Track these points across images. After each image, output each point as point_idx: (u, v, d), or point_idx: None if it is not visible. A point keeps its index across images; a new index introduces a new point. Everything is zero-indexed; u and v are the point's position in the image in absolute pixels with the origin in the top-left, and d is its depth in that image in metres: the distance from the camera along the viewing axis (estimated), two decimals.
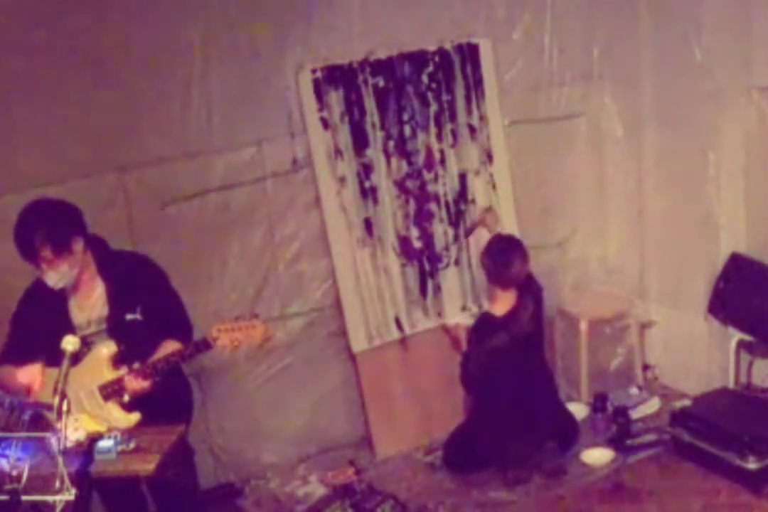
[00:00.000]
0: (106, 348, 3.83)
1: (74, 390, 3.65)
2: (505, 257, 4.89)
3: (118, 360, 3.83)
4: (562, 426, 5.11)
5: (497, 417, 4.92)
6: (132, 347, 3.83)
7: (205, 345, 3.79)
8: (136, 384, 3.76)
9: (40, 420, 3.51)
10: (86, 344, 3.81)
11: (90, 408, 3.79)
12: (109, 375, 3.81)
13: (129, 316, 3.86)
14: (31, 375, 3.75)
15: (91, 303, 3.90)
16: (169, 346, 3.85)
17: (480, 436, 4.97)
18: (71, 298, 3.88)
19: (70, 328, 3.75)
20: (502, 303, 4.94)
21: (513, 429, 4.88)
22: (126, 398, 3.79)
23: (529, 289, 5.00)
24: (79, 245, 3.76)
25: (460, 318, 5.31)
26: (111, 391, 3.80)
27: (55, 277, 3.75)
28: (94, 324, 3.89)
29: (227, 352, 4.04)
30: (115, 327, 3.86)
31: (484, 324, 4.97)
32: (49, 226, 3.67)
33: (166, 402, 3.85)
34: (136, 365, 3.79)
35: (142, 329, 3.85)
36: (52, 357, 3.67)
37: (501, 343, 4.87)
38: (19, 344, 3.91)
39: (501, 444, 4.91)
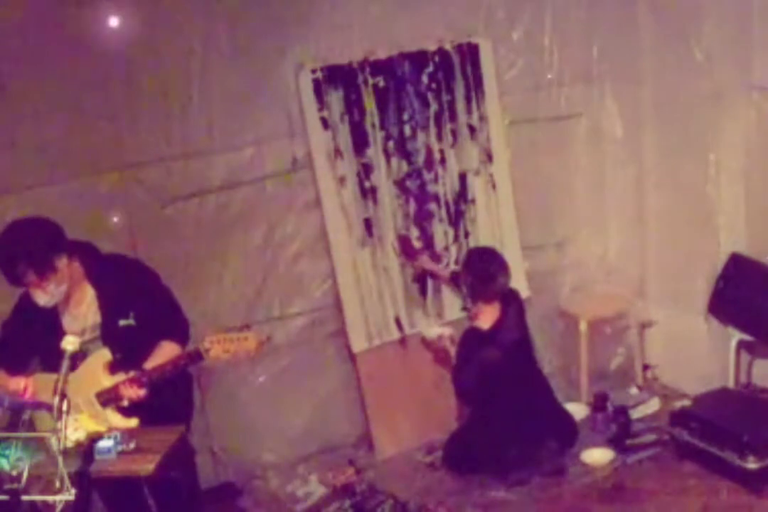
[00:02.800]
0: (102, 356, 3.81)
1: (72, 397, 3.63)
2: (488, 271, 4.86)
3: (114, 367, 3.81)
4: (560, 427, 5.10)
5: (496, 420, 4.91)
6: (128, 352, 3.81)
7: (198, 356, 3.77)
8: (132, 392, 3.75)
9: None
10: (81, 352, 3.80)
11: (88, 414, 3.77)
12: (106, 381, 3.80)
13: (122, 322, 3.83)
14: (19, 386, 3.75)
15: (83, 312, 3.87)
16: (166, 347, 3.84)
17: (480, 438, 4.97)
18: (63, 308, 3.85)
19: (62, 337, 3.71)
20: (488, 317, 4.91)
21: (512, 430, 4.87)
22: (125, 402, 3.78)
23: (509, 298, 4.98)
24: (62, 262, 3.70)
25: (440, 329, 5.21)
26: (108, 398, 3.79)
27: (44, 298, 3.72)
28: (89, 331, 3.86)
29: (221, 362, 4.02)
30: (109, 333, 3.84)
31: (472, 338, 4.92)
32: (28, 251, 3.61)
33: (166, 403, 3.85)
34: (132, 373, 3.77)
35: (137, 334, 3.83)
36: (45, 364, 3.68)
37: (492, 357, 4.84)
38: (8, 350, 3.90)
39: (501, 446, 4.90)
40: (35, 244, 3.64)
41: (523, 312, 5.06)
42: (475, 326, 4.95)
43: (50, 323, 3.83)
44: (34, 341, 3.78)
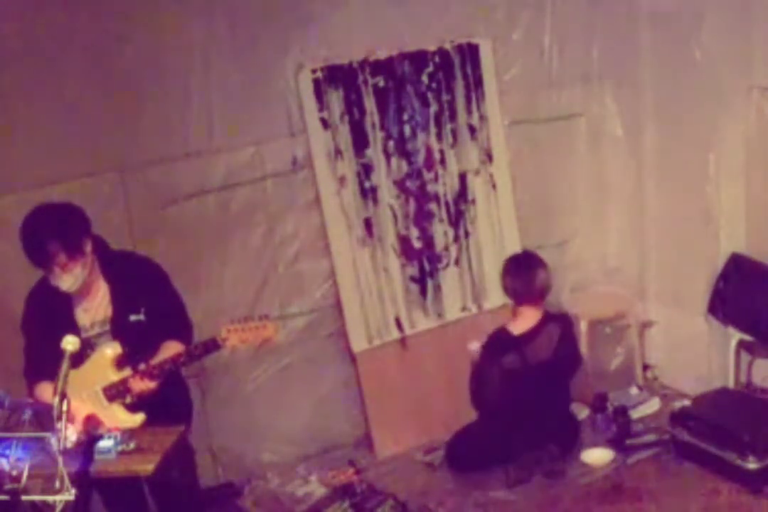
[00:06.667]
0: (111, 350, 3.81)
1: (78, 392, 3.64)
2: (527, 273, 4.81)
3: (122, 361, 3.82)
4: (563, 430, 5.08)
5: (503, 422, 4.88)
6: (135, 348, 3.81)
7: (214, 345, 3.78)
8: (142, 384, 3.75)
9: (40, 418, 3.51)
10: (90, 346, 3.81)
11: (94, 409, 3.77)
12: (113, 376, 3.80)
13: (133, 317, 3.85)
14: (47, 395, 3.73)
15: (95, 305, 3.88)
16: (170, 346, 3.84)
17: (485, 437, 4.95)
18: (76, 300, 3.86)
19: (74, 331, 3.70)
20: (522, 322, 4.85)
21: (517, 431, 4.85)
22: (128, 399, 3.79)
23: (557, 317, 4.95)
24: (89, 246, 3.75)
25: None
26: (115, 392, 3.79)
27: (69, 280, 3.73)
28: (98, 325, 3.88)
29: (229, 351, 4.03)
30: (119, 328, 3.85)
31: (498, 340, 4.85)
32: (61, 231, 3.65)
33: (165, 403, 3.84)
34: (142, 366, 3.78)
35: (146, 329, 3.84)
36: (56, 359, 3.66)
37: (513, 366, 4.77)
38: (36, 353, 3.88)
39: (504, 446, 4.88)
40: (67, 225, 3.69)
41: (572, 337, 4.99)
42: (505, 328, 4.89)
43: (63, 316, 3.83)
44: (50, 338, 3.77)
